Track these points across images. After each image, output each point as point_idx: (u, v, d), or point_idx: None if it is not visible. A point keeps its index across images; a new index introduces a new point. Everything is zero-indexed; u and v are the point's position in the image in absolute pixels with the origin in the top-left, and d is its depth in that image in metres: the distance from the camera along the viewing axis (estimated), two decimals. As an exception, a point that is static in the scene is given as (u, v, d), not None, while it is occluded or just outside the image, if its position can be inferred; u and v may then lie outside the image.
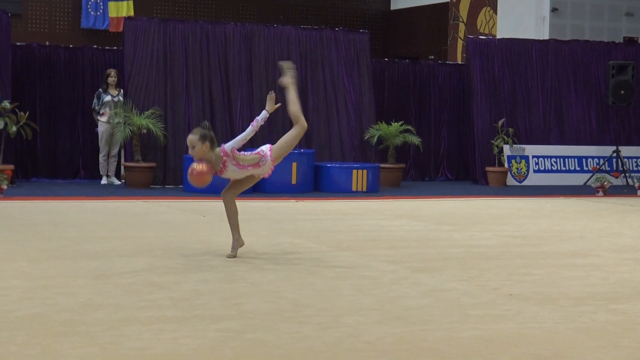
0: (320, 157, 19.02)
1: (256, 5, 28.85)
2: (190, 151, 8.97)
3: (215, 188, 16.80)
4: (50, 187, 17.45)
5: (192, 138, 8.92)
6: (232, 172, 9.10)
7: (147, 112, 17.82)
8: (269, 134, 17.32)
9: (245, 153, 9.17)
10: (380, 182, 18.51)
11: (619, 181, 20.74)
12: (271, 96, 9.28)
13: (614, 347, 5.87)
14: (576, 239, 11.42)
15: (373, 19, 30.15)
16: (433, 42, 28.27)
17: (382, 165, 19.10)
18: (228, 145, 8.97)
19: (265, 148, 9.18)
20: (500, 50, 21.19)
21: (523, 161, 20.78)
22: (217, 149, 8.98)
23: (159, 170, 18.26)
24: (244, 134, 8.98)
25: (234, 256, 9.14)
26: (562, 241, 11.11)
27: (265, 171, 9.18)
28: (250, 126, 8.98)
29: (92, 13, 26.59)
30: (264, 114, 9.10)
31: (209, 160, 8.96)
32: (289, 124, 9.73)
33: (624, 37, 24.75)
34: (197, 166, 8.84)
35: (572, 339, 6.08)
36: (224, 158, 8.97)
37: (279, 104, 9.37)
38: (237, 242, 9.24)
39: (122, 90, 18.42)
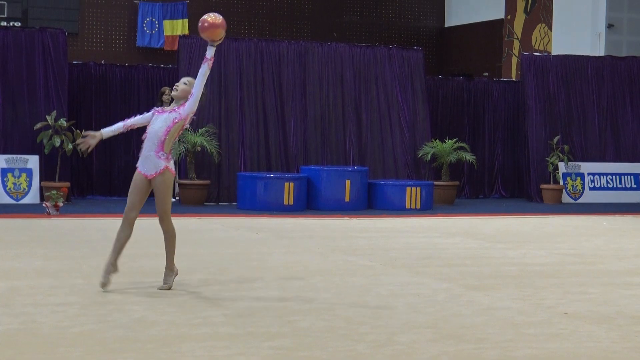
0: (374, 174, 18.98)
1: (310, 23, 28.92)
2: (179, 85, 8.94)
3: (269, 206, 16.97)
4: (106, 204, 17.58)
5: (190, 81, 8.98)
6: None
7: (201, 130, 17.91)
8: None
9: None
10: (434, 200, 18.44)
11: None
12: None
13: (672, 367, 5.80)
14: (633, 257, 11.29)
15: (427, 36, 30.09)
16: (487, 59, 28.16)
17: (435, 182, 19.02)
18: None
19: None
20: (555, 67, 21.04)
21: (578, 179, 20.60)
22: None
23: (213, 188, 18.32)
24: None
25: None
26: (618, 259, 11.00)
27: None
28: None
29: (148, 32, 26.81)
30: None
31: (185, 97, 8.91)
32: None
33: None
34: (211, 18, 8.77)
35: (629, 358, 6.00)
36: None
37: None
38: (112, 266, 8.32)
39: (176, 108, 18.53)
